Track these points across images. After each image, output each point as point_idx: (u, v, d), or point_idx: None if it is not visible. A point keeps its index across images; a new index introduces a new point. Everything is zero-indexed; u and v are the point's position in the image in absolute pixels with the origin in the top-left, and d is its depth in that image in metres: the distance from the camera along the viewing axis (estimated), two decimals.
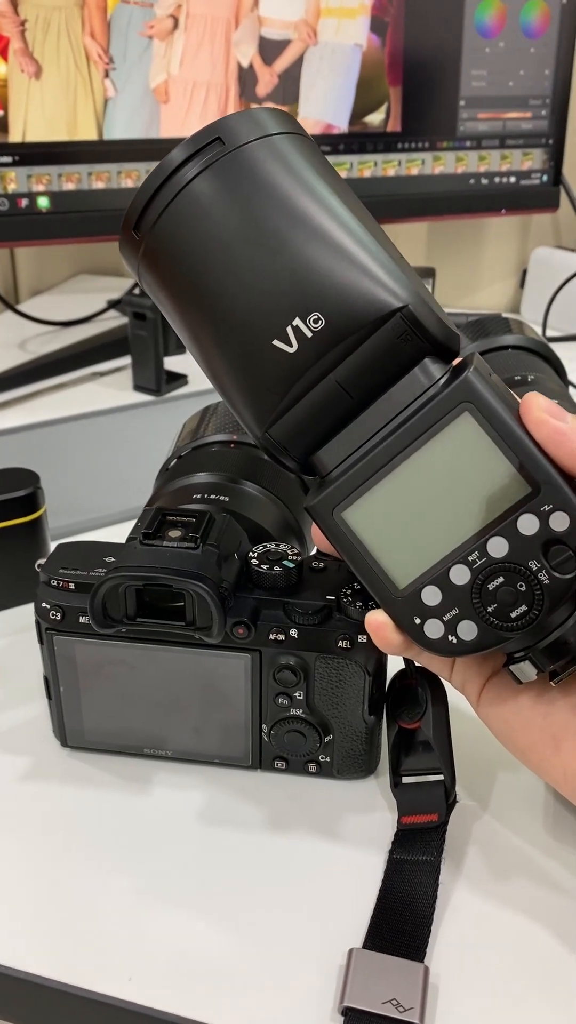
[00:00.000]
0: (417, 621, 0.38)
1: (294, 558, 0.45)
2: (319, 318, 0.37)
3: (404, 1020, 0.36)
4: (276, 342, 0.38)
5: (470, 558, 0.37)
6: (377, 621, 0.40)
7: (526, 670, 0.38)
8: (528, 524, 0.36)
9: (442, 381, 0.38)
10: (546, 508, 0.36)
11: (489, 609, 0.37)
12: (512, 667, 0.39)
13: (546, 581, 0.37)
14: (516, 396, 0.39)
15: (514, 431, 0.36)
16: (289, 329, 0.38)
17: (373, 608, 0.41)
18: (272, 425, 0.39)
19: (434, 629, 0.38)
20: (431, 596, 0.38)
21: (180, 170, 0.39)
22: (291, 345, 0.38)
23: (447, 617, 0.38)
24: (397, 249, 0.40)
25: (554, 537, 0.36)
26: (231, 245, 0.38)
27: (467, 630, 0.38)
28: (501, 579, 0.37)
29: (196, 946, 0.40)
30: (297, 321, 0.38)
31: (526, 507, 0.36)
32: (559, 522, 0.36)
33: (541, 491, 0.36)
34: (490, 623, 0.37)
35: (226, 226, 0.38)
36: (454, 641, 0.38)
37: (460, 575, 0.38)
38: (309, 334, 0.38)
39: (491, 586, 0.37)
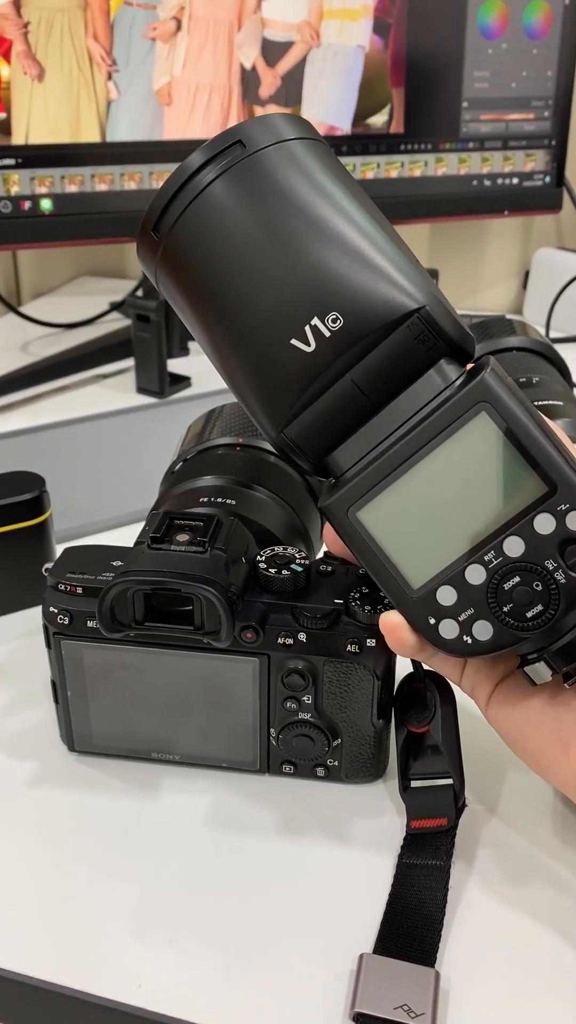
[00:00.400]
0: (432, 621, 0.38)
1: (302, 562, 0.45)
2: (337, 317, 0.38)
3: None
4: (294, 341, 0.38)
5: (486, 558, 0.37)
6: (392, 622, 0.40)
7: (541, 671, 0.38)
8: (544, 523, 0.36)
9: (458, 382, 0.38)
10: (562, 507, 0.36)
11: (505, 609, 0.37)
12: (527, 668, 0.39)
13: (562, 581, 0.37)
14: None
15: (531, 431, 0.37)
16: (307, 328, 0.38)
17: (384, 610, 0.41)
18: (288, 425, 0.40)
19: (449, 629, 0.38)
20: (446, 596, 0.38)
21: (199, 173, 0.40)
22: (309, 344, 0.38)
23: (462, 617, 0.38)
24: (412, 252, 0.40)
25: (570, 536, 0.36)
26: (250, 246, 0.39)
27: (482, 630, 0.38)
28: (517, 579, 0.37)
29: (205, 951, 0.40)
30: (315, 320, 0.38)
31: (542, 507, 0.36)
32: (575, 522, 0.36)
33: (557, 491, 0.36)
34: (506, 623, 0.37)
35: (245, 227, 0.39)
36: (469, 641, 0.38)
37: (476, 575, 0.38)
38: (327, 333, 0.38)
39: (507, 586, 0.37)
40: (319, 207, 0.39)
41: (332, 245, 0.38)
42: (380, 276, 0.38)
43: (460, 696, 0.45)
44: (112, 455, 0.82)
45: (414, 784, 0.45)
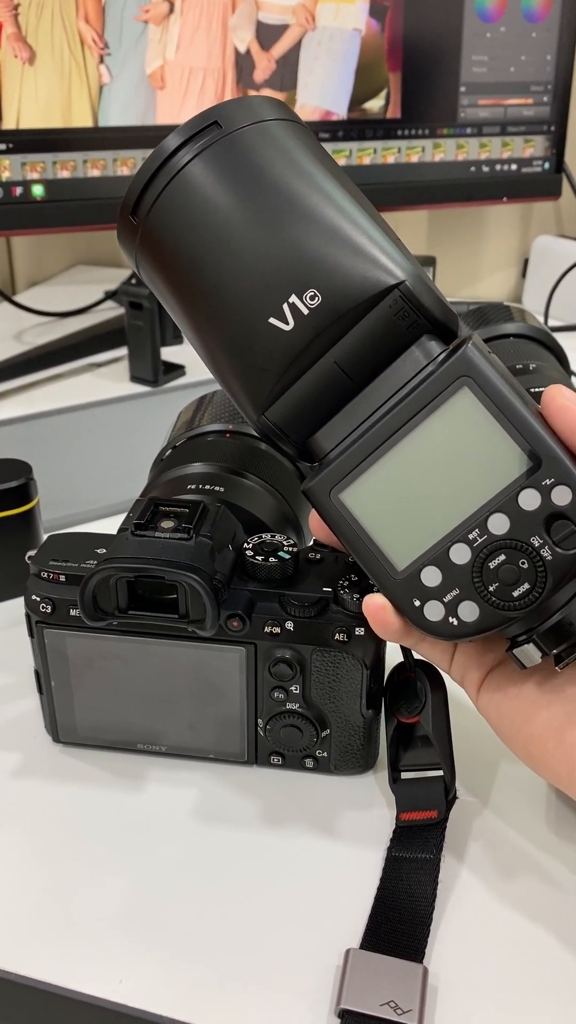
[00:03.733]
0: (417, 603, 0.38)
1: (290, 549, 0.44)
2: (316, 295, 0.37)
3: (402, 1022, 0.36)
4: (272, 320, 0.38)
5: (470, 536, 0.36)
6: (376, 604, 0.39)
7: (530, 653, 0.37)
8: (529, 499, 0.36)
9: (440, 358, 0.37)
10: (547, 482, 0.35)
11: (491, 588, 0.36)
12: (515, 651, 0.38)
13: (549, 557, 0.36)
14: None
15: (514, 405, 0.36)
16: (285, 306, 0.37)
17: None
18: (269, 407, 0.39)
19: (434, 611, 0.37)
20: (431, 577, 0.37)
21: (176, 154, 0.39)
22: (287, 323, 0.37)
23: (447, 598, 0.37)
24: (394, 231, 0.40)
25: (556, 512, 0.35)
26: (227, 225, 0.38)
27: (468, 611, 0.37)
28: (503, 557, 0.36)
29: (189, 946, 0.39)
30: (293, 298, 0.37)
31: (527, 482, 0.36)
32: (561, 496, 0.35)
33: (542, 465, 0.35)
34: (492, 603, 0.36)
35: (222, 207, 0.38)
36: (455, 623, 0.37)
37: (460, 554, 0.37)
38: (306, 311, 0.37)
39: (492, 564, 0.36)
40: (296, 185, 0.38)
41: (309, 222, 0.37)
42: (358, 252, 0.37)
43: (451, 686, 0.45)
44: (106, 443, 0.81)
45: (404, 776, 0.45)
